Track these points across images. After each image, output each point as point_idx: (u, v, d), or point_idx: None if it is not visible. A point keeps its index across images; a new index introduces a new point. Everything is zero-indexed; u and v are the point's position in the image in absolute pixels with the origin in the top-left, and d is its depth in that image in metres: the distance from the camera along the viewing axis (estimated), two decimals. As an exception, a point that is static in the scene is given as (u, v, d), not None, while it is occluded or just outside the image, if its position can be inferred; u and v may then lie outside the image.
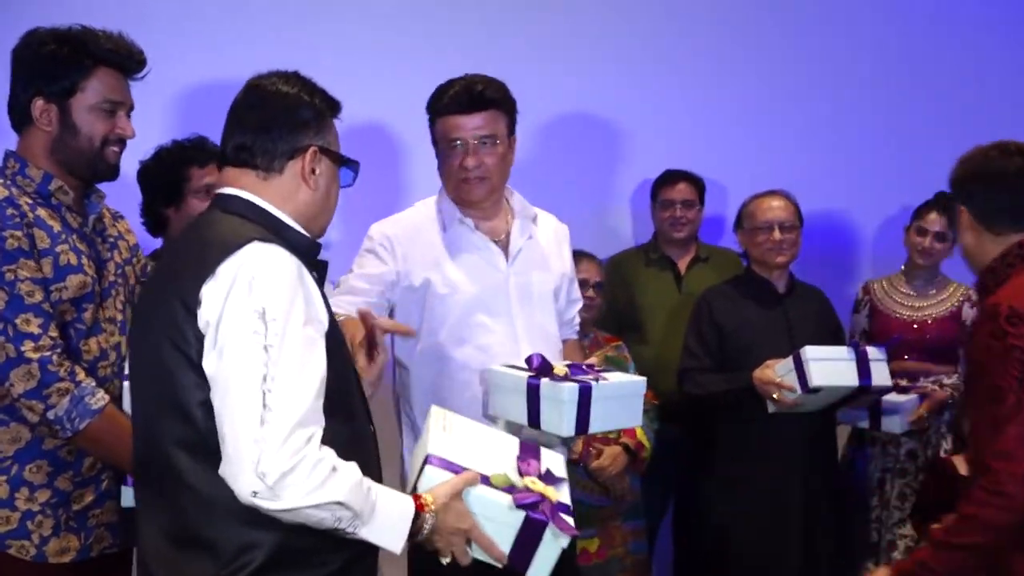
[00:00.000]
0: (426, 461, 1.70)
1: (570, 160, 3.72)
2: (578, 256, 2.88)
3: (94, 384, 1.89)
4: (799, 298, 3.10)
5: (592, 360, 2.53)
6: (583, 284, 3.03)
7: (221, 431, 1.48)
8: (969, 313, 3.39)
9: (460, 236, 2.42)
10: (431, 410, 1.95)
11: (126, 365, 1.93)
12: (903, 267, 3.52)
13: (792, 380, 2.74)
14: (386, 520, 1.56)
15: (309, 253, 1.68)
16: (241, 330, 1.48)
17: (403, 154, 3.47)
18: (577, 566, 2.63)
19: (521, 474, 1.79)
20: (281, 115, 1.68)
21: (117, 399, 1.95)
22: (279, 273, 1.53)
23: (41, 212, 1.94)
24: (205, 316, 1.50)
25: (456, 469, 1.70)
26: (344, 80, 3.25)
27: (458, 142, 2.35)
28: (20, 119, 1.97)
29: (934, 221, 3.37)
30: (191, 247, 1.63)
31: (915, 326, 3.44)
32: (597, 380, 2.21)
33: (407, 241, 2.40)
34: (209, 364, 1.50)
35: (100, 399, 1.88)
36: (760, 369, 2.80)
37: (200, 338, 1.51)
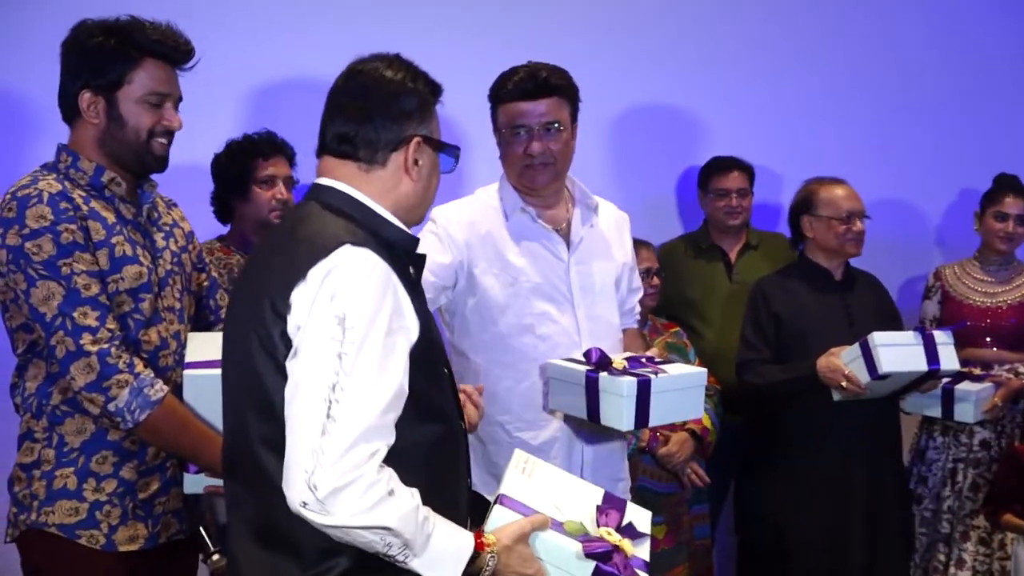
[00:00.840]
0: (496, 500, 1.66)
1: (613, 150, 3.76)
2: (635, 244, 2.88)
3: (153, 375, 1.91)
4: (856, 285, 3.10)
5: (653, 351, 2.53)
6: (645, 272, 3.05)
7: (287, 435, 1.46)
8: None
9: (522, 225, 2.43)
10: (514, 453, 1.90)
11: (186, 352, 2.00)
12: (976, 252, 3.51)
13: (859, 367, 2.73)
14: (440, 555, 1.51)
15: (408, 248, 1.65)
16: (319, 335, 1.46)
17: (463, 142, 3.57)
18: None
19: (599, 525, 1.75)
20: (384, 104, 1.62)
21: (178, 388, 1.97)
22: (367, 280, 1.49)
23: (95, 204, 1.95)
24: (295, 321, 1.48)
25: (527, 512, 1.66)
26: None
27: (522, 128, 2.36)
28: (70, 112, 1.98)
29: (1012, 204, 3.39)
30: (285, 243, 1.59)
31: (989, 313, 3.45)
32: (656, 373, 2.22)
33: (469, 228, 2.41)
34: (289, 367, 1.49)
35: (159, 390, 1.89)
36: (825, 357, 2.80)
37: (288, 342, 1.49)
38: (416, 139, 1.62)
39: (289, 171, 2.84)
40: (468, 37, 3.52)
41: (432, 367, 1.62)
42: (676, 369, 2.33)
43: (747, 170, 3.55)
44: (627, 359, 2.27)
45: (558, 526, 1.68)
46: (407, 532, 1.45)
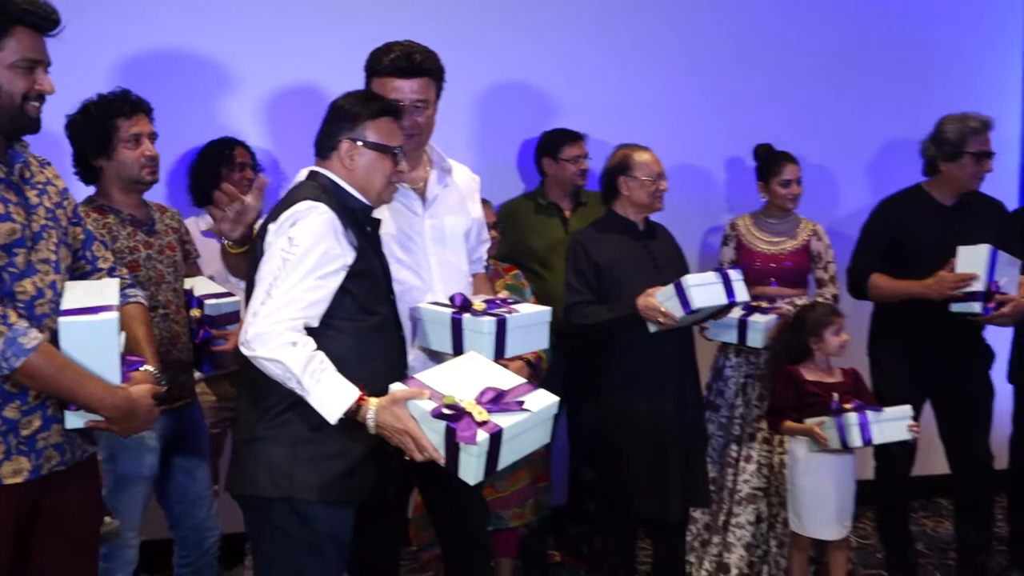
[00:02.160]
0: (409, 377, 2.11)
1: (467, 120, 4.13)
2: None
3: (27, 325, 1.92)
4: (656, 235, 3.33)
5: (503, 293, 2.75)
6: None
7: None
8: (817, 245, 3.85)
9: None
10: (468, 352, 2.33)
11: (62, 301, 2.05)
12: (763, 209, 3.92)
13: (674, 304, 2.96)
14: (325, 395, 2.09)
15: (365, 212, 2.33)
16: (276, 247, 2.16)
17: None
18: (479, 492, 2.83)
19: (493, 399, 2.08)
20: (330, 119, 2.36)
21: (55, 334, 2.00)
22: (314, 220, 2.16)
23: None
24: (268, 241, 2.20)
25: (415, 386, 2.09)
26: (283, 45, 3.78)
27: (395, 102, 2.50)
28: None
29: (791, 171, 3.82)
30: (282, 201, 2.27)
31: (773, 258, 3.85)
32: (510, 313, 2.46)
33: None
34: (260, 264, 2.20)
35: (33, 338, 1.92)
36: (643, 297, 3.01)
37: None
38: (345, 140, 2.31)
39: (151, 127, 2.81)
40: (338, 27, 3.84)
41: (374, 282, 2.29)
42: (525, 308, 2.55)
43: (584, 138, 3.93)
44: (484, 301, 2.48)
45: (438, 397, 2.05)
46: (296, 371, 2.07)
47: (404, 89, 2.55)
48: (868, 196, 4.28)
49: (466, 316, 2.43)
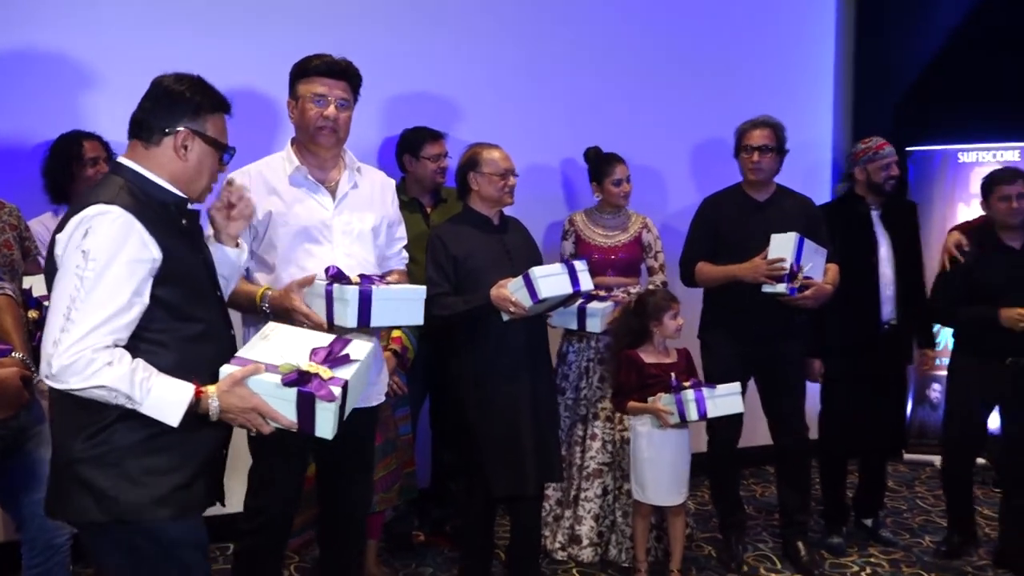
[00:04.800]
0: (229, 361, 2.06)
1: None
2: None
3: None
4: (509, 228, 3.44)
5: (393, 276, 2.84)
6: None
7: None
8: (647, 237, 4.10)
9: (297, 181, 2.81)
10: (267, 324, 2.27)
11: None
12: (597, 206, 4.15)
13: (523, 295, 3.07)
14: (161, 401, 1.97)
15: (180, 206, 2.16)
16: (69, 263, 1.95)
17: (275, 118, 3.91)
18: (372, 450, 3.06)
19: (310, 360, 2.10)
20: (164, 102, 2.12)
21: None
22: (107, 228, 1.96)
23: None
24: (57, 254, 2.00)
25: (244, 364, 2.07)
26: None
27: (323, 98, 2.75)
28: None
29: (621, 171, 4.05)
30: (74, 206, 2.04)
31: (608, 250, 4.07)
32: (378, 286, 2.54)
33: (254, 187, 2.74)
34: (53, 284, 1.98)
35: None
36: (496, 288, 3.12)
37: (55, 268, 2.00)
38: (184, 131, 2.13)
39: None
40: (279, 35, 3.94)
41: (190, 285, 2.11)
42: (399, 285, 2.64)
43: (446, 137, 4.03)
44: (360, 276, 2.59)
45: (274, 368, 2.05)
46: (123, 387, 1.94)
47: (332, 87, 2.78)
48: (694, 193, 4.58)
49: (336, 286, 2.53)
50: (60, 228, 2.02)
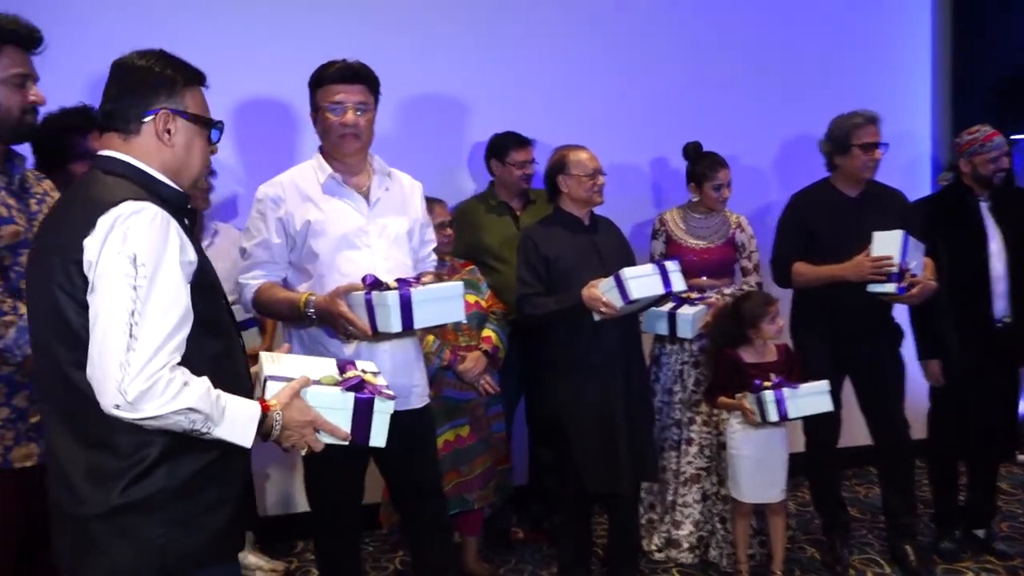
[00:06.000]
0: (265, 380, 1.94)
1: (416, 129, 4.29)
2: (430, 203, 3.26)
3: None
4: (600, 229, 3.45)
5: (427, 276, 2.76)
6: (440, 225, 3.45)
7: (91, 353, 1.68)
8: (741, 237, 4.02)
9: (332, 188, 2.82)
10: (261, 355, 2.13)
11: None
12: (691, 204, 4.06)
13: (614, 295, 3.06)
14: (236, 420, 1.77)
15: (180, 203, 1.88)
16: (114, 272, 1.68)
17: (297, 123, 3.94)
18: (435, 454, 3.08)
19: (342, 372, 2.05)
20: (132, 84, 1.85)
21: None
22: (150, 227, 1.72)
23: None
24: (88, 261, 1.70)
25: (290, 379, 1.95)
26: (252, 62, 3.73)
27: (340, 105, 2.76)
28: None
29: (724, 175, 3.96)
30: (73, 204, 1.79)
31: (702, 252, 3.97)
32: (416, 288, 2.53)
33: (288, 197, 2.78)
34: (90, 300, 1.70)
35: None
36: (587, 288, 3.12)
37: (85, 280, 1.71)
38: (163, 111, 1.86)
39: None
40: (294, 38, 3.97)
41: (211, 291, 1.88)
42: (436, 285, 2.61)
43: (533, 144, 4.09)
44: (397, 280, 2.57)
45: (316, 382, 1.98)
46: (205, 408, 1.72)
47: (349, 93, 2.78)
48: (778, 190, 4.49)
49: (375, 293, 2.53)
50: (84, 234, 1.74)
